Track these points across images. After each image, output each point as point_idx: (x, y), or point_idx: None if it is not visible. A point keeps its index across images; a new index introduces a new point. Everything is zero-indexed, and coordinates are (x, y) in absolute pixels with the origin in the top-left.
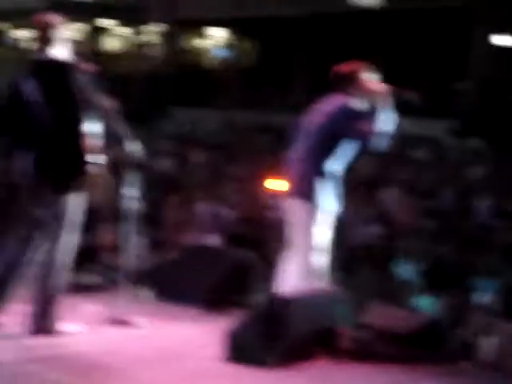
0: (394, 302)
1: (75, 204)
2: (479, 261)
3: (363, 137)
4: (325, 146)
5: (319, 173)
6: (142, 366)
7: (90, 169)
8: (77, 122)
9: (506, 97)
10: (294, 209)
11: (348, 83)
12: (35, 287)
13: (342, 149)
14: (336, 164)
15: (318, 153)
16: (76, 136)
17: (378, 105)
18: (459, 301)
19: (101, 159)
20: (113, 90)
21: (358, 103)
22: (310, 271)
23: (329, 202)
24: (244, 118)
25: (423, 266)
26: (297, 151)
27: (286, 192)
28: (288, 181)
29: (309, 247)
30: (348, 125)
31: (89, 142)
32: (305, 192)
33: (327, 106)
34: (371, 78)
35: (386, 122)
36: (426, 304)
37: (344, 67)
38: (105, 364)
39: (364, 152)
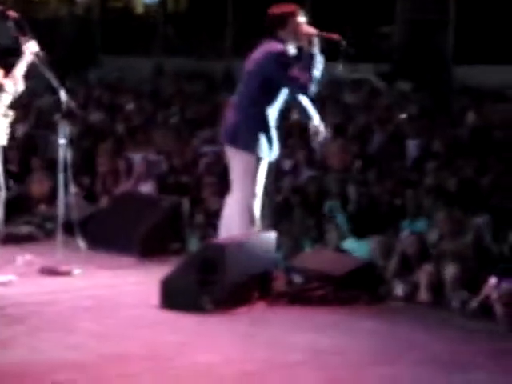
0: (326, 245)
1: None
2: (410, 202)
3: (296, 83)
4: (258, 93)
5: (255, 120)
6: (78, 315)
7: None
8: None
9: (433, 39)
10: (233, 157)
11: (281, 26)
12: None
13: (275, 95)
14: (270, 110)
15: (252, 100)
16: None
17: (309, 49)
18: (387, 243)
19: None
20: (39, 36)
21: (289, 49)
22: (251, 217)
23: (266, 150)
24: (175, 65)
25: (354, 209)
26: (234, 99)
27: (224, 140)
28: (225, 129)
29: (251, 194)
30: (280, 71)
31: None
32: (243, 140)
33: (258, 52)
34: (303, 21)
35: (318, 66)
36: (356, 246)
37: (277, 9)
38: (41, 313)
39: (296, 97)
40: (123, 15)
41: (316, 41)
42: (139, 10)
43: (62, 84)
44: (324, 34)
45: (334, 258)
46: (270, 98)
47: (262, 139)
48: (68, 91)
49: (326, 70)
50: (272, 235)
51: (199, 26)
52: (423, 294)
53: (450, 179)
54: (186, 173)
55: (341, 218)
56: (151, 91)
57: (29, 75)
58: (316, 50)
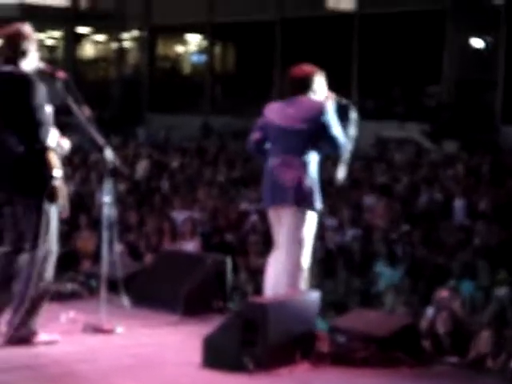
0: (371, 305)
1: (48, 215)
2: (457, 262)
3: (337, 140)
4: (309, 149)
5: (311, 175)
6: (119, 374)
7: (53, 181)
8: (35, 136)
9: (479, 99)
10: (290, 215)
11: (308, 86)
12: (15, 297)
13: (319, 150)
14: (316, 165)
15: (304, 156)
16: (34, 149)
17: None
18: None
19: (59, 171)
20: (89, 97)
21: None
22: (302, 275)
23: (319, 203)
24: (221, 124)
25: (402, 269)
26: (278, 157)
27: (281, 200)
28: (281, 190)
29: (303, 250)
30: (330, 126)
31: (50, 155)
32: (302, 198)
33: (298, 108)
34: (324, 83)
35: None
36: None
37: (300, 70)
38: (81, 372)
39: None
40: (171, 75)
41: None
42: (187, 70)
43: (109, 142)
44: (340, 98)
45: (378, 319)
46: (313, 153)
47: (315, 193)
48: (116, 149)
49: (373, 130)
50: (316, 294)
51: (245, 86)
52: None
53: (496, 240)
54: (230, 231)
55: (389, 278)
56: (197, 149)
57: (75, 133)
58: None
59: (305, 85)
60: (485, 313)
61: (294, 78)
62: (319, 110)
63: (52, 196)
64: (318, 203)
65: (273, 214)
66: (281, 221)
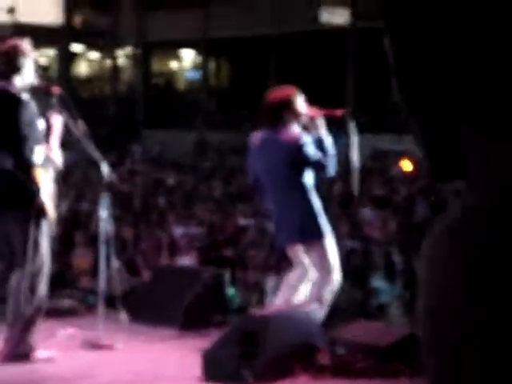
0: (370, 317)
1: (36, 230)
2: None
3: (319, 165)
4: (299, 182)
5: (311, 207)
6: None
7: (40, 198)
8: (21, 152)
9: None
10: (309, 250)
11: (286, 109)
12: (10, 314)
13: (307, 179)
14: (312, 191)
15: (297, 191)
16: (20, 166)
17: (316, 133)
18: None
19: (48, 187)
20: (84, 115)
21: (305, 135)
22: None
23: (327, 227)
24: (216, 139)
25: (400, 281)
26: (275, 200)
27: (288, 241)
28: (286, 229)
29: (332, 272)
30: (307, 158)
31: (36, 171)
32: (313, 233)
33: (278, 150)
34: (303, 102)
35: (329, 147)
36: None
37: (279, 93)
38: None
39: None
40: (166, 91)
41: (321, 121)
42: (181, 86)
43: (104, 159)
44: (326, 112)
45: (378, 329)
46: (304, 184)
47: (323, 218)
48: (111, 166)
49: (370, 143)
50: (316, 306)
51: (240, 101)
52: None
53: None
54: (227, 246)
55: (387, 290)
56: (193, 165)
57: (70, 149)
58: (323, 131)
59: (281, 112)
60: None
61: (271, 105)
62: (296, 147)
63: (39, 212)
64: (327, 227)
65: (290, 251)
66: (303, 253)
